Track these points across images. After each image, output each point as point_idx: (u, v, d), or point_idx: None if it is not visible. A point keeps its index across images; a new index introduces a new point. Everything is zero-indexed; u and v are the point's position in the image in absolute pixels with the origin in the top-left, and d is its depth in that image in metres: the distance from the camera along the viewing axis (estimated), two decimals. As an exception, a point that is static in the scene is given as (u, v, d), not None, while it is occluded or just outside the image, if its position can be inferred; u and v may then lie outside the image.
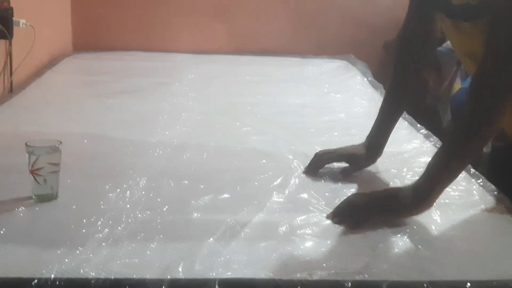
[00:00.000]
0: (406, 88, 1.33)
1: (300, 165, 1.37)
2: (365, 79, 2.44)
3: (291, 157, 1.43)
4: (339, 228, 1.05)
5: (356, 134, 1.51)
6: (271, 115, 1.88)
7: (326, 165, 1.34)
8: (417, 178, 1.10)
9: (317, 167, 1.33)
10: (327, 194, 1.22)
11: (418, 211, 1.08)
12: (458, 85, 2.49)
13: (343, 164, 1.36)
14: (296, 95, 2.18)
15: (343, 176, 1.31)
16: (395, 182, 1.30)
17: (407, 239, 1.03)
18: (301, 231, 1.04)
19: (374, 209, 1.08)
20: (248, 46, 3.04)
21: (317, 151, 1.37)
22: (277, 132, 1.67)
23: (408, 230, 1.05)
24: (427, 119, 1.97)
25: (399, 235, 1.04)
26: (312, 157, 1.35)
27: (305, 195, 1.21)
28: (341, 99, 2.16)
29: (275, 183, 1.26)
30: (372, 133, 1.35)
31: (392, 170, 1.37)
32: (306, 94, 2.19)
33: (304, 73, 2.61)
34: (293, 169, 1.35)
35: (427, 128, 1.71)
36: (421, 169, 1.11)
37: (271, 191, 1.22)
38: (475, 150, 1.07)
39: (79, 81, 2.31)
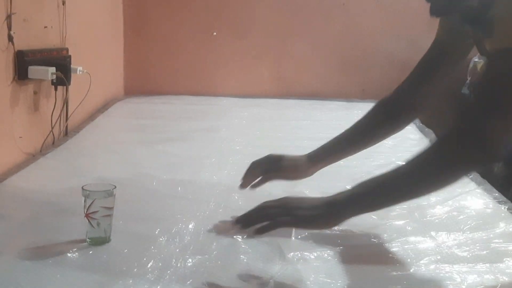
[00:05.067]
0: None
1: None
2: (413, 124, 2.41)
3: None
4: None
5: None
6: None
7: None
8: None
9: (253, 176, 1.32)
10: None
11: (322, 224, 1.00)
12: None
13: None
14: (342, 139, 2.16)
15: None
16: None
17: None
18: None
19: (282, 215, 1.01)
20: (294, 89, 3.07)
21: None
22: (326, 177, 1.65)
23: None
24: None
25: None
26: None
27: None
28: (389, 143, 2.13)
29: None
30: (319, 148, 1.36)
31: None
32: (353, 138, 2.18)
33: (350, 117, 2.56)
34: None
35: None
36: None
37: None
38: (417, 192, 0.97)
39: (130, 125, 2.39)
